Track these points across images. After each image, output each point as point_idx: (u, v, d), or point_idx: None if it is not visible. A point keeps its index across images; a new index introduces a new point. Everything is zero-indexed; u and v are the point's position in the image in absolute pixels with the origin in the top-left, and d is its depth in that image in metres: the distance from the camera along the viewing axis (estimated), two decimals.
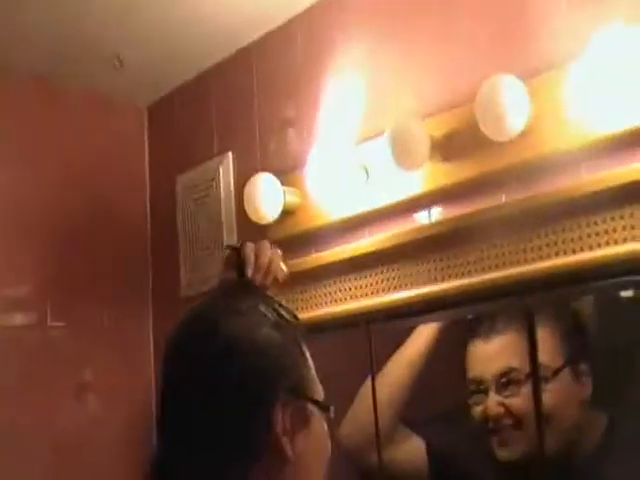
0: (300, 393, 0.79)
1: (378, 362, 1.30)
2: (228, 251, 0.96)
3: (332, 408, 0.82)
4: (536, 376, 1.14)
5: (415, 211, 1.32)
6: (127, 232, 1.96)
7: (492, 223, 1.17)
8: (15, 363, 1.71)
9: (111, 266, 1.91)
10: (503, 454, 1.21)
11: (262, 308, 0.82)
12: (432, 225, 1.27)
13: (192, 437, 0.76)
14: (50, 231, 1.81)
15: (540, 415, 1.12)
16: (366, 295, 1.35)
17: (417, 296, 1.27)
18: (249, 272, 0.92)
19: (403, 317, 1.31)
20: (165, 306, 1.95)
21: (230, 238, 1.74)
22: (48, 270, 1.79)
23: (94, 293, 1.86)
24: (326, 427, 0.81)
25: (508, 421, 1.20)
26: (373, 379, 1.09)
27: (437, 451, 1.31)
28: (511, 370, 1.20)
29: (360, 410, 1.33)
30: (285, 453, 0.76)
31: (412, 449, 1.29)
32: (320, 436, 0.81)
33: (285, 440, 0.76)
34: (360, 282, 1.36)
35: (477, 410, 1.23)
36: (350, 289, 1.37)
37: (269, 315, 0.81)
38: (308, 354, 0.83)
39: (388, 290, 1.31)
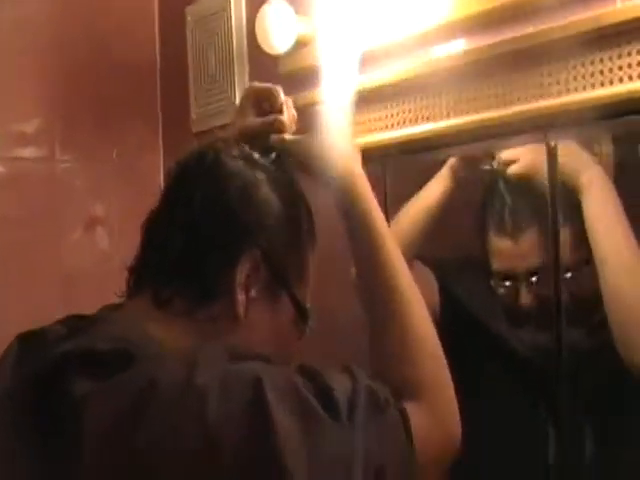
0: (273, 263, 0.78)
1: (393, 200, 1.27)
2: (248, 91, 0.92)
3: (310, 317, 0.82)
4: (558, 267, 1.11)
5: (435, 42, 1.25)
6: (136, 67, 1.90)
7: (516, 55, 1.10)
8: (24, 196, 1.70)
9: (120, 101, 1.85)
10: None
11: (276, 174, 0.82)
12: (452, 57, 1.20)
13: (165, 249, 0.78)
14: (58, 65, 1.75)
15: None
16: (381, 129, 1.30)
17: (434, 130, 1.21)
18: (284, 115, 0.90)
19: (419, 152, 1.27)
20: (175, 141, 1.91)
21: (241, 71, 1.68)
22: (56, 105, 1.75)
23: (103, 128, 1.82)
24: (293, 329, 0.82)
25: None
26: (387, 215, 1.07)
27: (450, 295, 1.30)
28: (541, 267, 1.16)
29: None
30: (236, 308, 0.75)
31: (426, 285, 1.28)
32: (281, 325, 0.80)
33: (240, 294, 0.75)
34: (374, 115, 1.31)
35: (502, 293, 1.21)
36: (364, 122, 1.32)
37: (281, 185, 0.81)
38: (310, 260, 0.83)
39: (404, 124, 1.26)
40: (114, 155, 1.84)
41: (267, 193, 0.80)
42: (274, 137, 0.88)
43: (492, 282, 1.23)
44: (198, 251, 0.77)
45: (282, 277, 0.79)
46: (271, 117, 0.89)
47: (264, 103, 0.93)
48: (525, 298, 1.18)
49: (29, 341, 0.76)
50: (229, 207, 0.78)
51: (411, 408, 0.72)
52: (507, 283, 1.20)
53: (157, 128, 1.93)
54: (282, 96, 0.93)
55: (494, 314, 1.23)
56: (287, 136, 0.89)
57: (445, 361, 0.80)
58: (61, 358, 0.68)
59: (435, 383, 0.77)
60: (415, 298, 0.81)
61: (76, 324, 0.78)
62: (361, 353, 0.85)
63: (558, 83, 1.05)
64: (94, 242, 1.80)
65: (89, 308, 1.64)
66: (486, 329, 1.25)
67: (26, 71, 1.71)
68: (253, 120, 0.91)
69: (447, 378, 0.79)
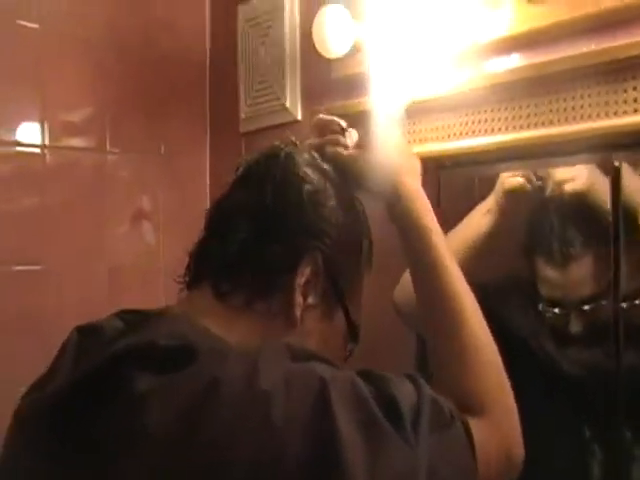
0: (333, 273, 0.79)
1: (446, 213, 1.25)
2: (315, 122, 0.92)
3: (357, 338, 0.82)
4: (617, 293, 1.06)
5: (494, 55, 1.23)
6: (186, 64, 1.91)
7: (582, 71, 1.09)
8: (72, 186, 1.71)
9: (169, 96, 1.87)
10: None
11: (343, 192, 0.82)
12: (512, 70, 1.18)
13: (230, 237, 0.78)
14: (110, 57, 1.76)
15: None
16: (435, 139, 1.28)
17: (492, 144, 1.19)
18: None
19: (474, 165, 1.25)
20: (222, 140, 1.91)
21: (293, 73, 1.67)
22: (107, 97, 1.76)
23: (151, 122, 1.83)
24: (342, 347, 0.82)
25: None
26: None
27: (496, 318, 1.25)
28: (593, 296, 1.12)
29: None
30: (294, 310, 0.75)
31: None
32: (332, 340, 0.80)
33: (298, 296, 0.75)
34: (430, 126, 1.29)
35: (551, 318, 1.17)
36: (420, 132, 1.31)
37: (347, 204, 0.82)
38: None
39: (460, 136, 1.24)
40: (161, 150, 1.85)
41: (335, 206, 0.80)
42: (329, 150, 0.87)
43: (540, 306, 1.19)
44: (263, 242, 0.76)
45: (340, 289, 0.79)
46: (331, 136, 0.89)
47: (327, 132, 0.92)
48: (576, 326, 1.14)
49: (88, 336, 0.76)
50: (300, 205, 0.77)
51: (473, 422, 0.72)
52: (556, 310, 1.16)
53: (205, 126, 1.94)
54: (344, 124, 0.92)
55: (542, 337, 1.20)
56: (341, 150, 0.88)
57: (505, 374, 0.79)
58: (121, 354, 0.68)
59: (498, 396, 0.76)
60: (474, 309, 0.81)
61: (133, 319, 0.77)
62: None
63: (625, 102, 1.03)
64: (140, 235, 1.81)
65: (133, 300, 1.66)
66: (533, 352, 1.21)
67: (78, 62, 1.72)
68: (314, 139, 0.91)
69: (509, 391, 0.78)
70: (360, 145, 0.88)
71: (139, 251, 1.79)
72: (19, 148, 1.64)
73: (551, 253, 1.14)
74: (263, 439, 0.60)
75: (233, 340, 0.72)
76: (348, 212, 0.81)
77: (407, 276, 1.22)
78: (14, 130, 1.64)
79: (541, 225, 1.19)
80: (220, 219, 0.81)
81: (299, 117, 1.67)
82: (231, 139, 1.84)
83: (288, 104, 1.68)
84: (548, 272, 1.16)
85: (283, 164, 0.80)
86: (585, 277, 1.13)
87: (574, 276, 1.13)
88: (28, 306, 1.61)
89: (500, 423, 0.74)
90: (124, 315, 0.79)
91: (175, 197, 1.86)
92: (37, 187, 1.66)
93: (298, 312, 0.76)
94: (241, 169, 0.84)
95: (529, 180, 1.19)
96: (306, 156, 0.83)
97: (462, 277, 0.83)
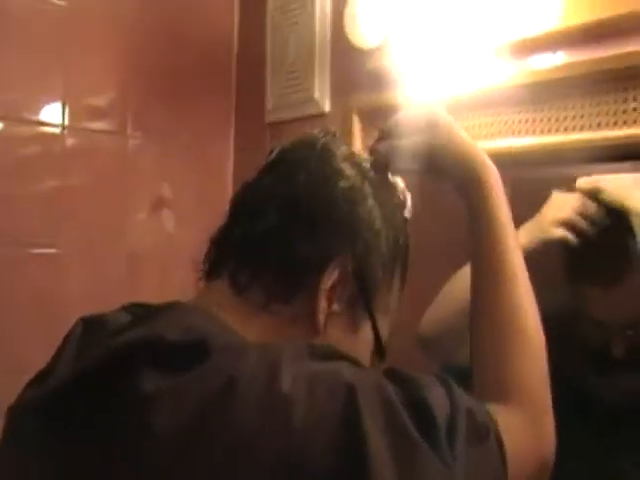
0: (364, 280, 0.73)
1: None
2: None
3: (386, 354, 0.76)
4: None
5: (540, 51, 1.18)
6: (213, 51, 1.87)
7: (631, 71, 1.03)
8: (93, 169, 1.68)
9: (194, 84, 1.82)
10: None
11: (383, 195, 0.76)
12: (559, 67, 1.13)
13: (254, 224, 0.73)
14: (135, 41, 1.73)
15: None
16: (474, 138, 1.23)
17: (537, 145, 1.14)
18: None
19: (516, 166, 1.18)
20: (248, 130, 1.86)
21: (323, 63, 1.62)
22: (131, 81, 1.72)
23: (176, 108, 1.79)
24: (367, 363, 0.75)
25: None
26: None
27: None
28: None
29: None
30: (317, 314, 0.69)
31: None
32: (356, 354, 0.72)
33: (323, 301, 0.70)
34: (468, 123, 1.23)
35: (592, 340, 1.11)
36: None
37: (386, 207, 0.76)
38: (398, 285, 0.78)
39: (500, 135, 1.19)
40: (185, 138, 1.81)
41: (372, 207, 0.73)
42: (375, 143, 0.82)
43: (580, 328, 1.12)
44: (290, 235, 0.70)
45: (369, 298, 0.73)
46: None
47: None
48: (618, 350, 1.07)
49: (92, 328, 0.71)
50: (334, 200, 0.71)
51: (508, 413, 0.67)
52: (597, 333, 1.09)
53: (230, 115, 1.90)
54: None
55: (581, 360, 1.13)
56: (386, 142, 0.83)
57: (548, 372, 0.74)
58: (125, 349, 0.63)
59: (539, 392, 0.72)
60: (531, 297, 0.77)
61: (141, 312, 0.72)
62: None
63: None
64: (160, 223, 1.77)
65: (152, 289, 1.64)
66: (571, 374, 1.15)
67: (105, 43, 1.69)
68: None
69: (549, 389, 0.73)
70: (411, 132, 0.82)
71: (158, 240, 1.75)
72: (39, 128, 1.61)
73: (592, 269, 1.09)
74: (283, 447, 0.55)
75: (251, 338, 0.67)
76: (386, 216, 0.75)
77: (438, 306, 1.18)
78: (35, 109, 1.60)
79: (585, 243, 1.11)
80: (246, 204, 0.75)
81: (327, 109, 1.62)
82: (256, 129, 1.80)
83: (317, 95, 1.63)
84: (588, 290, 1.09)
85: (319, 154, 0.74)
86: (630, 299, 1.07)
87: (618, 297, 1.07)
88: (43, 290, 1.57)
89: (536, 421, 0.70)
90: (133, 308, 0.74)
91: (197, 187, 1.82)
92: (56, 169, 1.63)
93: (322, 318, 0.70)
94: (274, 154, 0.78)
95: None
96: (344, 149, 0.77)
97: (526, 272, 0.78)
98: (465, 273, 1.21)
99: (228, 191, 1.85)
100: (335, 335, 0.71)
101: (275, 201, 0.72)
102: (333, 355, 0.64)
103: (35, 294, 1.56)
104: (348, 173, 0.73)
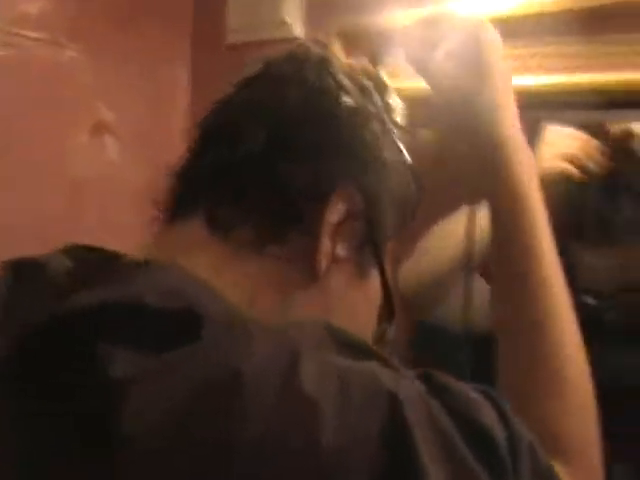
0: (374, 217, 0.60)
1: None
2: None
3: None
4: None
5: None
6: None
7: None
8: (24, 82, 1.49)
9: None
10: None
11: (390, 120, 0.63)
12: None
13: (236, 147, 0.59)
14: None
15: None
16: None
17: (547, 85, 1.04)
18: None
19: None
20: (206, 51, 1.71)
21: None
22: None
23: (122, 21, 1.61)
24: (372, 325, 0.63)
25: None
26: None
27: None
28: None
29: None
30: (317, 254, 0.56)
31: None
32: (360, 312, 0.62)
33: (325, 239, 0.57)
34: None
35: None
36: None
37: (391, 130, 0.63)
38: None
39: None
40: (132, 56, 1.63)
41: (378, 132, 0.60)
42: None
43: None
44: (280, 155, 0.57)
45: (379, 245, 0.60)
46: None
47: None
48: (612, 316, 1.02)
49: (26, 278, 0.55)
50: (335, 119, 0.58)
51: (563, 475, 0.54)
52: (589, 300, 1.02)
53: (186, 33, 1.73)
54: None
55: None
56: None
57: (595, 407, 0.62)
58: (83, 316, 0.46)
59: (595, 447, 0.60)
60: (572, 319, 0.64)
61: (92, 260, 0.56)
62: None
63: None
64: (101, 150, 1.60)
65: (93, 222, 1.50)
66: None
67: None
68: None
69: (597, 430, 0.61)
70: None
71: (101, 167, 1.58)
72: None
73: (593, 236, 1.03)
74: (308, 467, 0.41)
75: (230, 289, 0.52)
76: (393, 146, 0.62)
77: (416, 262, 1.15)
78: None
79: (581, 202, 1.05)
80: (220, 127, 0.61)
81: (299, 34, 1.50)
82: (215, 51, 1.66)
83: (287, 17, 1.50)
84: (586, 258, 1.03)
85: (315, 65, 0.61)
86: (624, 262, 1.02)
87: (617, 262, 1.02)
88: None
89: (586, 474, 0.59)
90: (77, 252, 0.57)
91: (146, 113, 1.64)
92: None
93: (324, 262, 0.56)
94: (255, 69, 0.63)
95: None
96: (343, 65, 0.63)
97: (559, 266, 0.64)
98: (442, 230, 1.15)
99: (183, 119, 1.69)
100: (337, 285, 0.58)
101: (260, 119, 0.58)
102: (362, 350, 0.49)
103: None
104: (348, 87, 0.60)
